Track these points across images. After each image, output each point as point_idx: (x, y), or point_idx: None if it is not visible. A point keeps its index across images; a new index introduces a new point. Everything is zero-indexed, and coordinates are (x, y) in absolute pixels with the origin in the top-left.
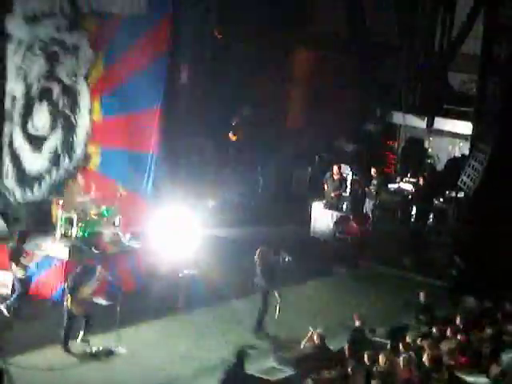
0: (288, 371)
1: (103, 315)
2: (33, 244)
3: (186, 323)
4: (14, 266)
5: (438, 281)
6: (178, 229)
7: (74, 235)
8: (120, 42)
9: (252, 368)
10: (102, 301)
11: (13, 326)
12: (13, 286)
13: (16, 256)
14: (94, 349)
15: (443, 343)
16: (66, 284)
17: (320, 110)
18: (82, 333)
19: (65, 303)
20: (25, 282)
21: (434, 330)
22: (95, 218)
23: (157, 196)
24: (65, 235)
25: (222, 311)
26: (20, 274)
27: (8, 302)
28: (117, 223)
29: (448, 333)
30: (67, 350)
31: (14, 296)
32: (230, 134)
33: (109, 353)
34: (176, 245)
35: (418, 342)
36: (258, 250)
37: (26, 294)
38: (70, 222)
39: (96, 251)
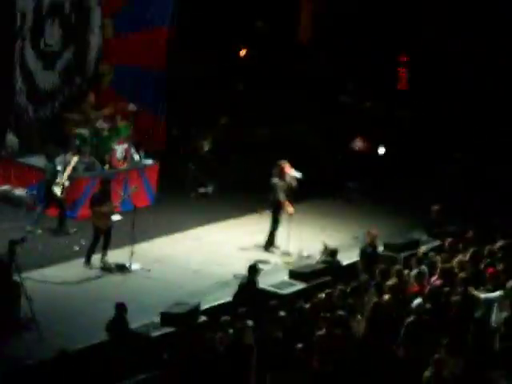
0: (300, 285)
1: (117, 231)
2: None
3: (199, 238)
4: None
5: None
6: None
7: (86, 152)
8: None
9: (264, 282)
10: (115, 217)
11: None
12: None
13: None
14: (110, 264)
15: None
16: (89, 200)
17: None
18: (102, 248)
19: (92, 219)
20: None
21: (446, 243)
22: (107, 134)
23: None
24: (78, 152)
25: (233, 226)
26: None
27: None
28: (129, 140)
29: (460, 246)
30: (87, 264)
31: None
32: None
33: (123, 268)
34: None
35: (430, 256)
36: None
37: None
38: (82, 138)
39: (108, 167)
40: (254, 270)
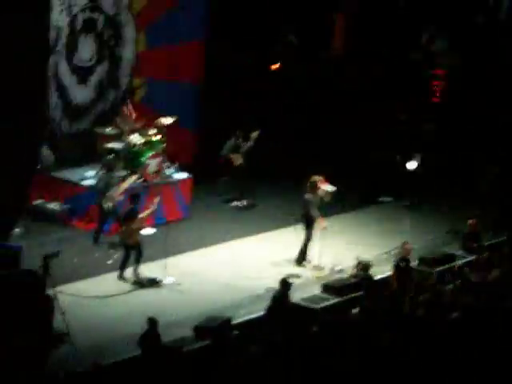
0: (332, 299)
1: (150, 245)
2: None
3: (231, 252)
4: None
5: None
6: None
7: (118, 166)
8: None
9: (297, 296)
10: (148, 231)
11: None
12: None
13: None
14: (142, 278)
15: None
16: (119, 215)
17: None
18: (134, 262)
19: (123, 236)
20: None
21: (481, 258)
22: (140, 148)
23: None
24: (111, 166)
25: (266, 240)
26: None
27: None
28: (162, 154)
29: (495, 261)
30: (120, 278)
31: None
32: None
33: (156, 282)
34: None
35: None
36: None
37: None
38: (115, 152)
39: (141, 181)
40: (285, 283)
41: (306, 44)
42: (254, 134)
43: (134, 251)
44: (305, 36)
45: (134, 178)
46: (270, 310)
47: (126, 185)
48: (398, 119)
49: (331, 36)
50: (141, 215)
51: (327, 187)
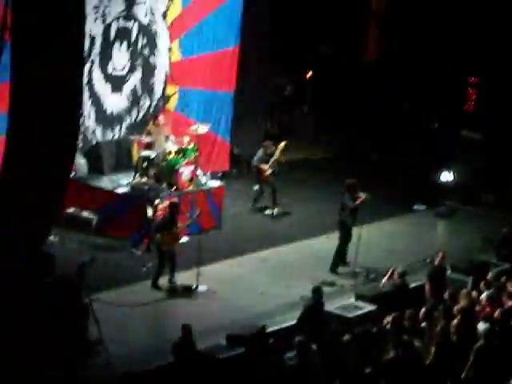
0: (367, 308)
1: (184, 253)
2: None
3: (265, 260)
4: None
5: None
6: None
7: (153, 174)
8: None
9: (331, 305)
10: (182, 239)
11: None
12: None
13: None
14: (177, 286)
15: None
16: (155, 223)
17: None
18: (169, 271)
19: (159, 243)
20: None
21: None
22: (174, 157)
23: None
24: (145, 174)
25: (299, 248)
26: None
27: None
28: (195, 162)
29: None
30: (155, 286)
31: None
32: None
33: (190, 290)
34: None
35: (501, 279)
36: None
37: None
38: (149, 161)
39: (175, 189)
40: (318, 291)
41: (339, 53)
42: (282, 145)
43: (168, 259)
44: (338, 45)
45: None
46: (302, 318)
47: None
48: (432, 127)
49: (365, 44)
50: (179, 225)
51: (360, 194)
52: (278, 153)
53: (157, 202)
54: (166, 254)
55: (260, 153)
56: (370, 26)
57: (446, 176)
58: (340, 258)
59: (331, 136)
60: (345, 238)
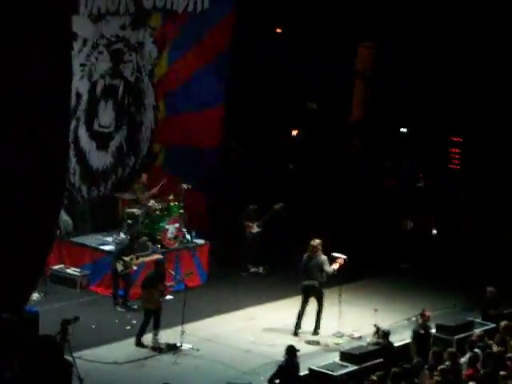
0: (351, 367)
1: (168, 310)
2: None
3: (249, 318)
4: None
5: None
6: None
7: (138, 231)
8: (184, 39)
9: (315, 363)
10: (167, 296)
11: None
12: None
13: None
14: (161, 344)
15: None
16: (142, 281)
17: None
18: (153, 327)
19: (142, 300)
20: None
21: (501, 326)
22: (159, 214)
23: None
24: (129, 231)
25: (285, 306)
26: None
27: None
28: (180, 220)
29: None
30: (138, 344)
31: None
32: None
33: (175, 348)
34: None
35: (485, 338)
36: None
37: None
38: (134, 218)
39: (160, 247)
40: (291, 351)
41: (325, 110)
42: (277, 206)
43: (153, 316)
44: (324, 102)
45: (154, 256)
46: (272, 379)
47: (145, 259)
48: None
49: (351, 102)
50: (166, 284)
51: (339, 255)
52: (270, 213)
53: (127, 258)
54: (151, 311)
55: (248, 209)
56: (355, 84)
57: (432, 234)
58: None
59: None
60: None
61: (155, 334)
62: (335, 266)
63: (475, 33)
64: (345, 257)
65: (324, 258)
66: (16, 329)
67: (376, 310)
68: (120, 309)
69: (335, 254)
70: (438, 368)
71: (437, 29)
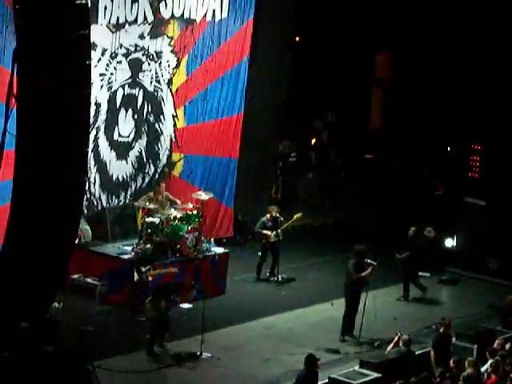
0: (372, 375)
1: (188, 320)
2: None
3: (269, 327)
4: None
5: None
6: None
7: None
8: (202, 48)
9: (335, 371)
10: (186, 305)
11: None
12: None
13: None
14: (179, 353)
15: None
16: (153, 290)
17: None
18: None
19: (148, 308)
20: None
21: None
22: (178, 223)
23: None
24: (149, 240)
25: (305, 315)
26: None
27: None
28: (199, 228)
29: None
30: (151, 354)
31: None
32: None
33: (193, 357)
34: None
35: (506, 347)
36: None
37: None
38: (154, 227)
39: (179, 256)
40: (311, 360)
41: (343, 120)
42: (297, 216)
43: (159, 326)
44: (343, 112)
45: (172, 269)
46: None
47: (161, 271)
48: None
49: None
50: (179, 297)
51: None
52: (289, 222)
53: (145, 268)
54: (157, 321)
55: (264, 218)
56: (374, 93)
57: (450, 242)
58: (348, 327)
59: (336, 202)
60: (350, 304)
61: (161, 341)
62: (365, 272)
63: (500, 39)
64: (375, 263)
65: (351, 262)
66: (35, 338)
67: (395, 319)
68: (138, 318)
69: (368, 261)
70: (461, 376)
71: (458, 35)
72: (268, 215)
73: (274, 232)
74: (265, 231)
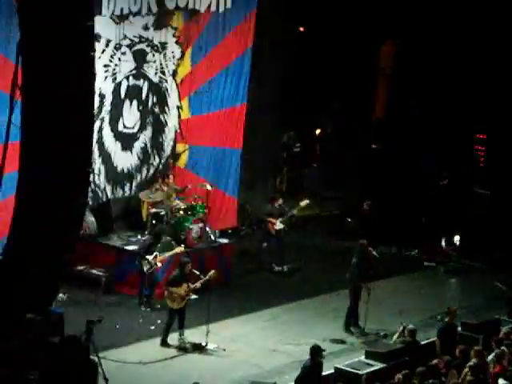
0: (377, 365)
1: (193, 310)
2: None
3: (275, 317)
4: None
5: None
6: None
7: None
8: (207, 38)
9: (341, 362)
10: (192, 296)
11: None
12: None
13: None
14: (186, 343)
15: None
16: (165, 280)
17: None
18: (178, 327)
19: (166, 299)
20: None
21: None
22: (184, 214)
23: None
24: (154, 231)
25: (309, 305)
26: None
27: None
28: (204, 219)
29: None
30: (164, 344)
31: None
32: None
33: (199, 347)
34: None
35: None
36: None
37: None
38: (159, 218)
39: (184, 247)
40: (316, 351)
41: (348, 109)
42: (304, 203)
43: (178, 316)
44: (348, 102)
45: (177, 249)
46: (300, 380)
47: (168, 254)
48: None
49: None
50: (192, 285)
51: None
52: (296, 210)
53: (151, 257)
54: (176, 311)
55: (269, 206)
56: (378, 82)
57: (457, 238)
58: (353, 319)
59: (340, 192)
60: (354, 295)
61: (181, 334)
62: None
63: (502, 31)
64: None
65: (354, 261)
66: (40, 329)
67: (400, 312)
68: (144, 308)
69: (373, 252)
70: (467, 365)
71: (461, 26)
72: (275, 203)
73: (280, 219)
74: (270, 219)
